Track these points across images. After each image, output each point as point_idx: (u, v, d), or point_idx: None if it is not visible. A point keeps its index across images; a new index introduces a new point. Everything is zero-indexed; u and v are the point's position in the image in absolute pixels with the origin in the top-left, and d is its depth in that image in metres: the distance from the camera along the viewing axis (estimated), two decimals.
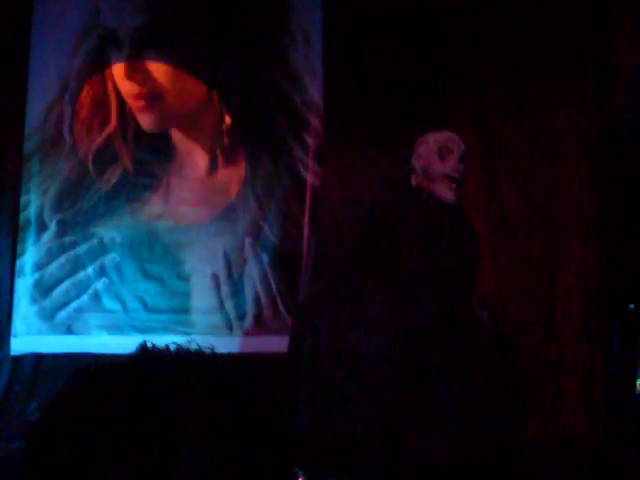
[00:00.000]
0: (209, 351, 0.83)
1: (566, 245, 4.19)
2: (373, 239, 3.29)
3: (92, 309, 4.18)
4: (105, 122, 4.28)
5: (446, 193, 3.19)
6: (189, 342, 0.83)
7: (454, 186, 3.19)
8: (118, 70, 4.28)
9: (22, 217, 4.20)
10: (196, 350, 0.82)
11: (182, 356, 0.81)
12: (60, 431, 0.75)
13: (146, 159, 4.30)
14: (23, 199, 4.22)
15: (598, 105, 4.22)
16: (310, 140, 4.31)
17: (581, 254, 4.17)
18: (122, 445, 0.71)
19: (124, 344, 4.15)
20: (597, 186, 4.19)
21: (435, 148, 3.20)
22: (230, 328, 4.17)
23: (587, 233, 4.18)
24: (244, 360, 3.94)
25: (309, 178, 4.27)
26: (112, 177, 4.27)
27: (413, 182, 3.24)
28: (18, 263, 4.17)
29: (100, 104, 4.29)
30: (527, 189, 4.22)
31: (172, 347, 0.82)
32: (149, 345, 0.82)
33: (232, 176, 4.30)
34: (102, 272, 4.19)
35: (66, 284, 4.18)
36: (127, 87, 4.26)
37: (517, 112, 4.24)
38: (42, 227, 4.21)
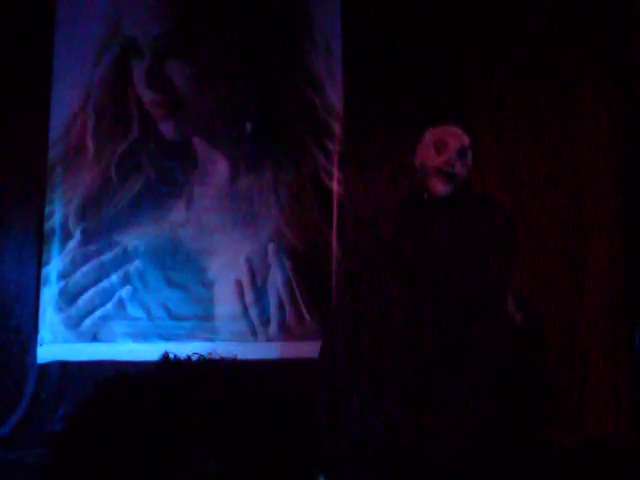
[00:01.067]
0: (231, 360, 0.83)
1: (591, 244, 4.15)
2: (385, 243, 3.28)
3: (117, 317, 4.20)
4: (127, 131, 4.31)
5: (438, 187, 3.12)
6: (211, 352, 0.83)
7: (445, 179, 3.13)
8: (139, 79, 4.30)
9: (47, 226, 4.24)
10: (218, 359, 0.82)
11: (204, 365, 0.81)
12: (83, 441, 0.75)
13: (169, 167, 4.32)
14: (47, 209, 4.25)
15: (622, 96, 4.18)
16: (333, 146, 4.30)
17: (606, 254, 4.13)
18: (146, 454, 0.71)
19: (149, 351, 4.18)
20: (623, 183, 4.15)
21: (431, 142, 3.15)
22: (254, 334, 4.17)
23: (613, 231, 4.14)
24: (268, 366, 3.94)
25: (335, 187, 4.26)
26: (135, 186, 4.29)
27: (415, 180, 3.22)
28: (43, 272, 4.21)
29: (122, 113, 4.32)
30: (550, 188, 4.19)
31: (194, 357, 0.82)
32: (171, 355, 0.82)
33: (254, 183, 4.30)
34: (126, 280, 4.21)
35: (91, 292, 4.20)
36: (148, 96, 4.28)
37: (537, 115, 4.22)
38: (67, 236, 4.24)
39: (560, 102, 4.22)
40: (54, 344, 4.17)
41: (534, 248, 4.13)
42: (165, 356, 0.82)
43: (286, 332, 4.18)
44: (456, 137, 3.16)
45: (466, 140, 3.17)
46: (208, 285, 4.24)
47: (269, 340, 4.17)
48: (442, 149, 3.12)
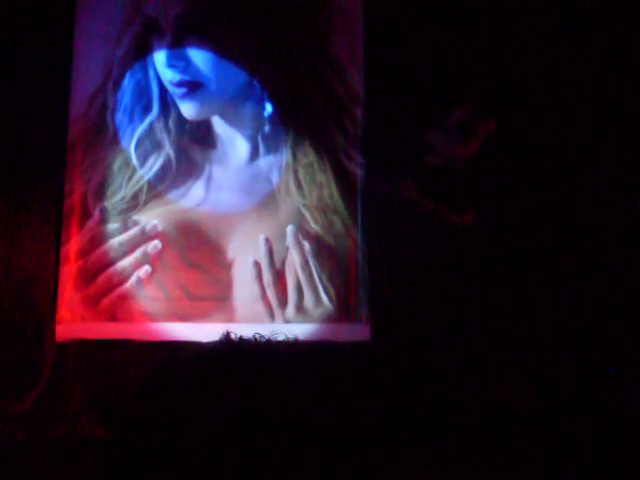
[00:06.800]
0: (293, 341, 0.81)
1: None
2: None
3: (135, 296, 4.21)
4: (147, 110, 4.30)
5: None
6: (273, 332, 0.81)
7: None
8: (160, 58, 4.29)
9: (66, 205, 4.24)
10: (281, 340, 0.80)
11: (268, 346, 0.79)
12: (148, 424, 0.74)
13: (188, 147, 4.31)
14: (67, 187, 4.26)
15: None
16: (353, 129, 4.28)
17: None
18: (212, 439, 0.70)
19: (166, 331, 4.20)
20: None
21: None
22: (272, 316, 4.17)
23: None
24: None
25: (356, 170, 4.25)
26: (154, 165, 4.28)
27: None
28: (62, 250, 4.22)
29: (142, 92, 4.31)
30: None
31: (257, 337, 0.80)
32: (233, 336, 0.80)
33: (273, 163, 4.29)
34: (144, 260, 4.21)
35: (109, 271, 4.21)
36: (169, 75, 4.27)
37: None
38: (86, 215, 4.24)
39: None
40: (72, 323, 4.19)
41: None
42: (226, 336, 0.80)
43: (304, 314, 4.17)
44: (454, 116, 3.37)
45: (455, 119, 3.36)
46: (226, 266, 4.23)
47: (286, 322, 4.16)
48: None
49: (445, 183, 3.54)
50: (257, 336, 0.79)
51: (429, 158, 3.44)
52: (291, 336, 0.81)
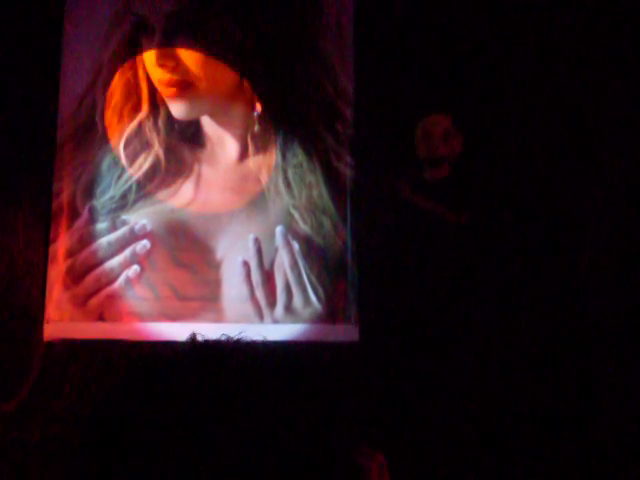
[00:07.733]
0: (260, 342, 0.81)
1: None
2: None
3: (123, 296, 4.20)
4: (136, 109, 4.29)
5: (428, 174, 3.57)
6: (240, 333, 0.81)
7: (432, 166, 3.53)
8: (149, 57, 4.28)
9: (55, 204, 4.23)
10: (248, 341, 0.80)
11: (233, 347, 0.79)
12: (113, 423, 0.73)
13: (177, 146, 4.30)
14: (55, 186, 4.24)
15: None
16: (343, 129, 4.28)
17: None
18: (173, 438, 0.70)
19: (155, 331, 4.19)
20: None
21: (420, 136, 3.56)
22: (260, 316, 4.17)
23: None
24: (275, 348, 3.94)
25: (345, 171, 4.26)
26: (143, 164, 4.27)
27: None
28: (51, 250, 4.20)
29: (131, 91, 4.30)
30: None
31: (223, 337, 0.80)
32: (199, 338, 0.80)
33: (263, 163, 4.29)
34: (133, 259, 4.20)
35: (98, 271, 4.20)
36: (158, 74, 4.26)
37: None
38: (74, 214, 4.23)
39: None
40: (60, 322, 4.17)
41: None
42: (192, 338, 0.80)
43: (292, 314, 4.18)
44: (438, 124, 3.48)
45: (448, 123, 3.46)
46: (215, 266, 4.23)
47: (275, 322, 4.16)
48: (427, 140, 3.48)
49: (439, 181, 3.58)
50: (224, 337, 0.79)
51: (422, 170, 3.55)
52: (260, 337, 0.81)
